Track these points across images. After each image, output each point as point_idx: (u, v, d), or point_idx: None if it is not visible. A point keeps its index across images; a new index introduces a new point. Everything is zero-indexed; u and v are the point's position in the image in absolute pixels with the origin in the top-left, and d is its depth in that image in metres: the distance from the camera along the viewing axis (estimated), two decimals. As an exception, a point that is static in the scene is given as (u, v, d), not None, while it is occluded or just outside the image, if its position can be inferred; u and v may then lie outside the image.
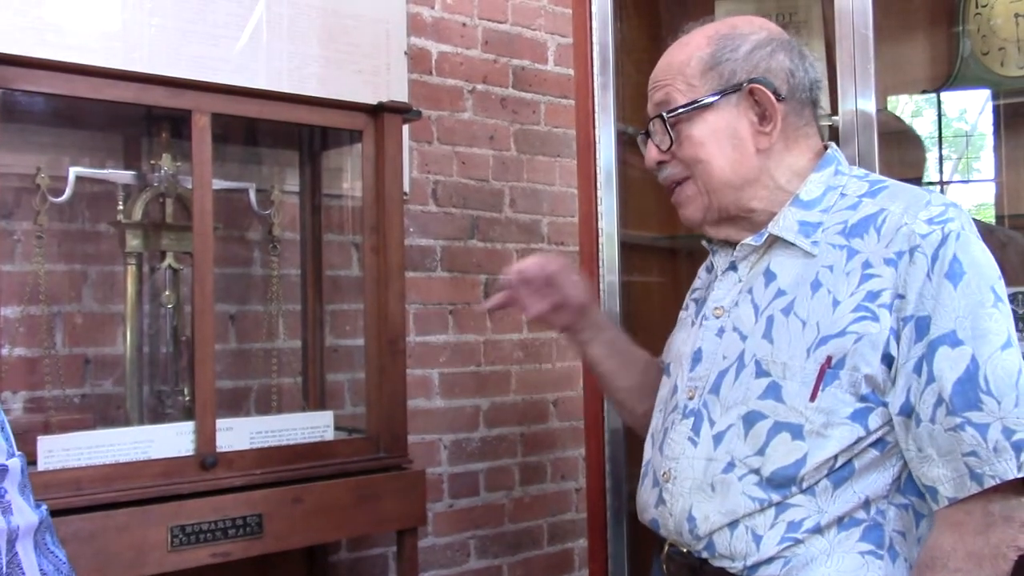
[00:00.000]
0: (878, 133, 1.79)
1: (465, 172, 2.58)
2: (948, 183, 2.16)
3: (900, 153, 2.15)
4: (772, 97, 1.27)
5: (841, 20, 1.79)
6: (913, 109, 2.22)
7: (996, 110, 2.12)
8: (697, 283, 1.53)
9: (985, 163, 2.15)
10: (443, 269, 2.53)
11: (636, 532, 2.10)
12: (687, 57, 1.32)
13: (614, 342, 1.57)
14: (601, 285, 2.08)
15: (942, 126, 2.16)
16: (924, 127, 2.19)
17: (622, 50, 2.17)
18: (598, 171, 2.10)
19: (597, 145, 2.10)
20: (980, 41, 2.08)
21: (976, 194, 2.16)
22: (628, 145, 2.21)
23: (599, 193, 2.09)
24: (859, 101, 1.76)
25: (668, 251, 2.48)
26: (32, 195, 1.78)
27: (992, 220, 2.09)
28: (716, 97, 1.29)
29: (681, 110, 1.30)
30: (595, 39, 2.11)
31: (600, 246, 2.08)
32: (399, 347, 1.93)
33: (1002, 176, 2.12)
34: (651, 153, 1.36)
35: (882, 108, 2.10)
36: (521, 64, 2.72)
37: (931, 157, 2.17)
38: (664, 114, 1.31)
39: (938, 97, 2.14)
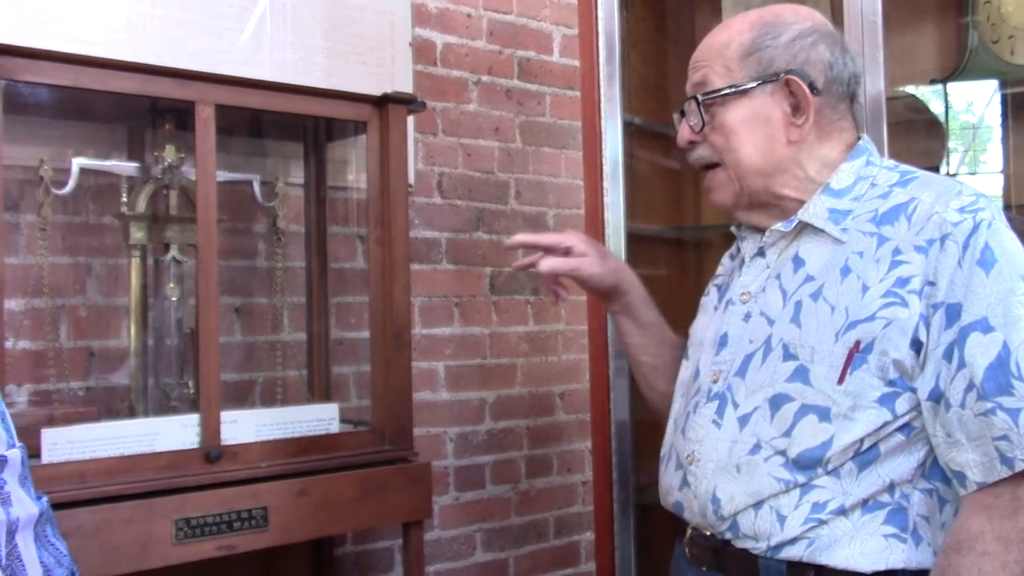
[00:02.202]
0: (888, 123, 1.78)
1: (470, 164, 2.57)
2: (955, 176, 2.14)
3: (911, 141, 2.14)
4: (807, 90, 1.28)
5: (850, 7, 1.77)
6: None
7: (1004, 99, 2.11)
8: (720, 270, 1.54)
9: (992, 155, 2.13)
10: (448, 261, 2.52)
11: (643, 525, 2.09)
12: (728, 40, 1.32)
13: (644, 320, 1.56)
14: (607, 277, 2.07)
15: (948, 118, 2.15)
16: (931, 119, 2.18)
17: (627, 41, 2.16)
18: (604, 163, 2.09)
19: (603, 136, 2.09)
20: (990, 29, 2.06)
21: (983, 185, 2.15)
22: (634, 136, 2.21)
23: (605, 184, 2.08)
24: (868, 89, 1.75)
25: (674, 242, 2.47)
26: (35, 187, 1.77)
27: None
28: (752, 84, 1.29)
29: (716, 94, 1.30)
30: (601, 29, 2.10)
31: (607, 238, 2.07)
32: (404, 339, 1.92)
33: (1010, 167, 2.11)
34: (684, 132, 1.36)
35: (909, 94, 2.09)
36: (526, 55, 2.71)
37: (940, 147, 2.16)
38: (699, 96, 1.31)
39: (944, 88, 2.13)
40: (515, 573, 2.62)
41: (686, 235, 2.49)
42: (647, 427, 2.09)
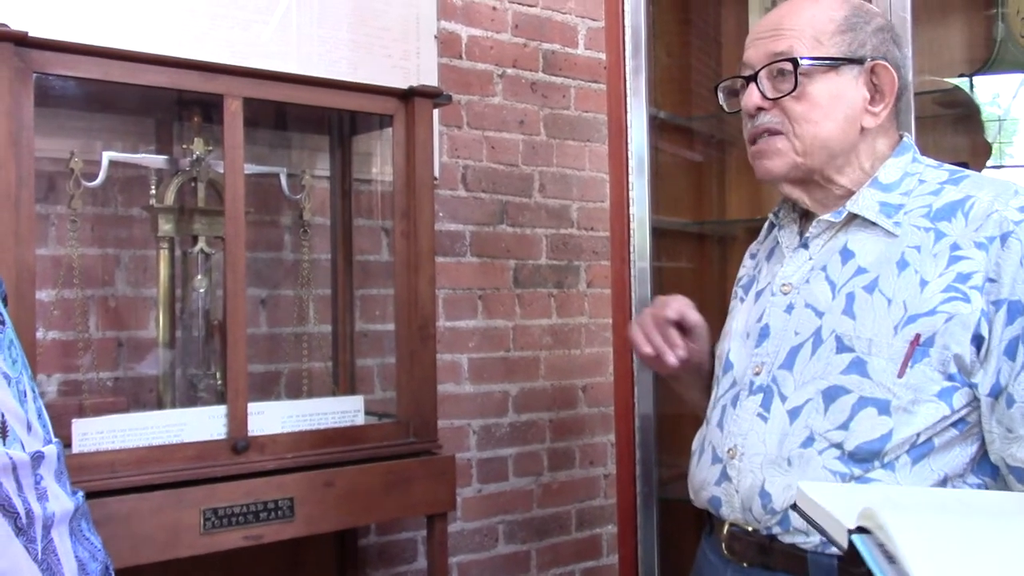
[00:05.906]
0: (916, 116, 1.77)
1: (495, 157, 2.57)
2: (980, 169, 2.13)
3: (938, 136, 2.12)
4: (896, 76, 1.29)
5: (879, 1, 1.76)
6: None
7: (1031, 93, 2.09)
8: (742, 272, 1.53)
9: (1018, 148, 2.12)
10: (472, 254, 2.52)
11: (665, 518, 2.09)
12: (820, 13, 1.31)
13: (700, 376, 1.52)
14: (632, 271, 2.08)
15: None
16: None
17: (651, 35, 2.16)
18: (630, 156, 2.09)
19: (629, 130, 2.09)
20: (1019, 23, 2.05)
21: (1010, 179, 2.13)
22: (659, 130, 2.20)
23: (631, 178, 2.08)
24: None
25: (697, 236, 2.47)
26: (66, 179, 1.79)
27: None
28: (844, 62, 1.29)
29: (816, 62, 1.28)
30: (627, 22, 2.09)
31: (631, 232, 2.07)
32: (429, 332, 1.93)
33: (1036, 161, 2.09)
34: (753, 98, 1.32)
35: (954, 86, 2.07)
36: (551, 48, 2.71)
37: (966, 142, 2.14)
38: (799, 59, 1.28)
39: (971, 82, 2.11)
40: (537, 565, 2.63)
41: (709, 229, 2.49)
42: (670, 421, 2.09)
